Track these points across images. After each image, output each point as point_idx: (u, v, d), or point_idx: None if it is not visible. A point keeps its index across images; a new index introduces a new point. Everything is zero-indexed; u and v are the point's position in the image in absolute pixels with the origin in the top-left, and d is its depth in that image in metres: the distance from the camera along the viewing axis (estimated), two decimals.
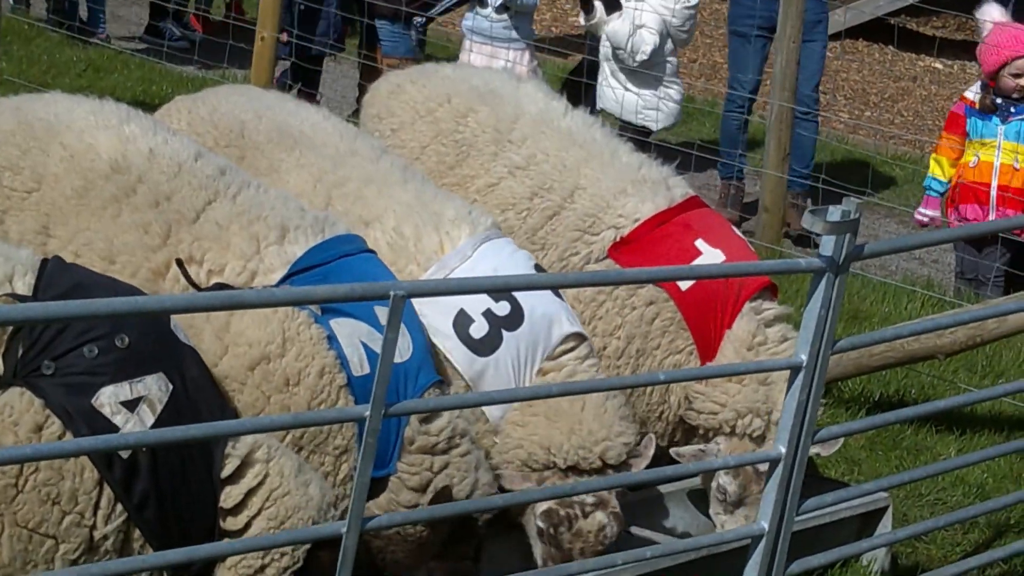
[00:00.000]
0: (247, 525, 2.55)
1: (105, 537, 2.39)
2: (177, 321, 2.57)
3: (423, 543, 2.90)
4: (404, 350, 2.70)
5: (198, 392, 2.55)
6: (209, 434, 2.38)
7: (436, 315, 2.95)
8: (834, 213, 2.47)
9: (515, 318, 3.03)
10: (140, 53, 8.00)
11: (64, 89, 4.36)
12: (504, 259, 3.06)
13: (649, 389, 3.26)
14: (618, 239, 3.35)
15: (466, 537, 2.91)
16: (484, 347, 3.02)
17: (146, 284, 2.78)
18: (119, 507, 2.42)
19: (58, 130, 3.01)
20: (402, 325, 2.40)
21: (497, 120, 3.54)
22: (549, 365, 3.06)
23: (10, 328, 2.38)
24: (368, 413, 2.25)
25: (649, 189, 3.42)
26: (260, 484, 2.55)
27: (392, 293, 2.20)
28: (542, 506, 2.98)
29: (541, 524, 3.01)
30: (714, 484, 3.27)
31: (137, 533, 2.47)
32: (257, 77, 6.45)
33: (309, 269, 2.77)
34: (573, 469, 3.03)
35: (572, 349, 3.09)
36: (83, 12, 8.16)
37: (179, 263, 2.76)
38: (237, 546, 2.47)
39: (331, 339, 2.70)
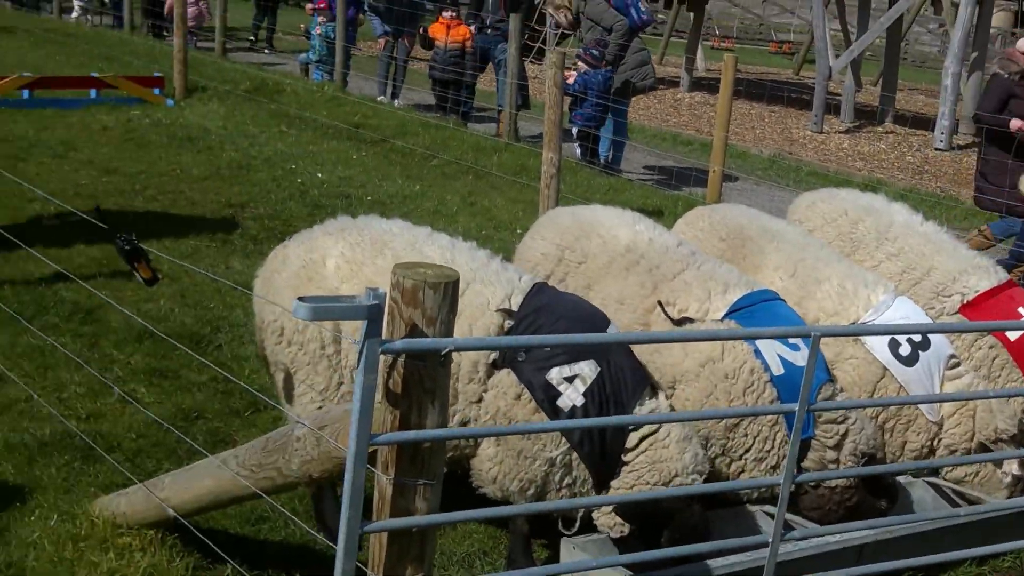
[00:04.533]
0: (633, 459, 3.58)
1: (557, 457, 3.59)
2: (615, 325, 3.91)
3: (847, 496, 4.01)
4: (799, 359, 4.27)
5: (619, 372, 3.55)
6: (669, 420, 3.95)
7: (876, 341, 4.39)
8: None
9: (924, 343, 4.42)
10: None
11: None
12: (909, 309, 4.53)
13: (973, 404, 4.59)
14: (965, 302, 4.79)
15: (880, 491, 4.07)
16: (910, 361, 4.41)
17: (640, 316, 4.35)
18: (564, 441, 3.54)
19: (596, 226, 4.66)
20: (802, 346, 4.00)
21: (877, 226, 5.15)
22: (950, 374, 4.44)
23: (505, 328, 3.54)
24: (796, 408, 3.04)
25: (983, 272, 4.85)
26: (651, 433, 3.58)
27: (813, 334, 2.99)
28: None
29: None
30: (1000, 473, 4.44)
31: (575, 457, 3.57)
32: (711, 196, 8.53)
33: (740, 309, 4.35)
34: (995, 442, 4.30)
35: (958, 365, 4.45)
36: None
37: (660, 304, 4.27)
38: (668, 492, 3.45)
39: (756, 351, 4.31)
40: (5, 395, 4.45)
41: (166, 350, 4.96)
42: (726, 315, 4.23)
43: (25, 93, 10.51)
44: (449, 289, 2.50)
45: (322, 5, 13.79)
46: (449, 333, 2.53)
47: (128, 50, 14.32)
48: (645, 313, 4.33)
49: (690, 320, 4.25)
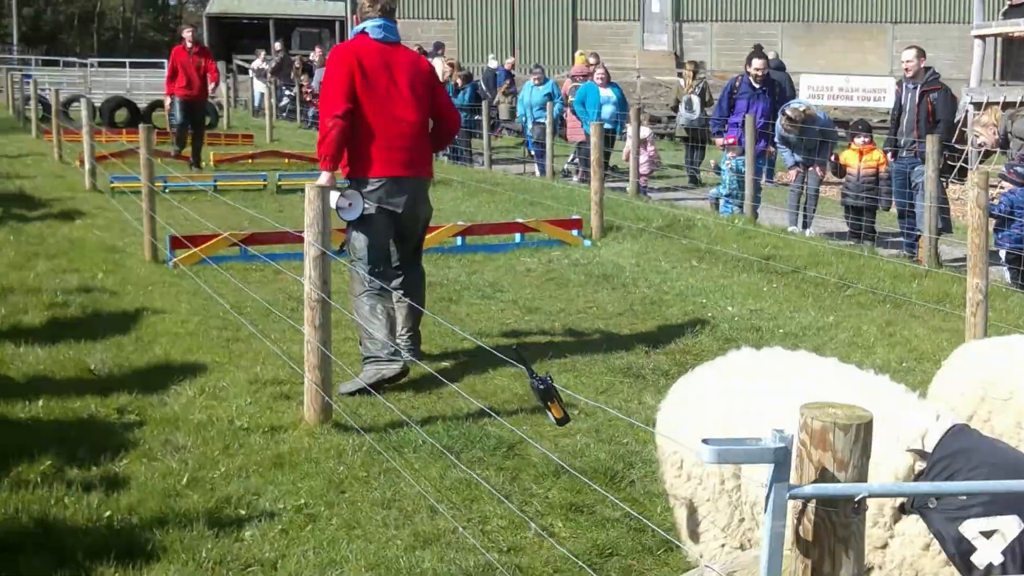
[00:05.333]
0: None
1: None
2: None
3: None
4: None
5: None
6: None
7: None
8: None
9: None
10: None
11: None
12: None
13: None
14: None
15: None
16: None
17: None
18: None
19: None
20: None
21: None
22: None
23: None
24: None
25: None
26: None
27: None
28: None
29: None
30: None
31: None
32: None
33: None
34: None
35: None
36: None
37: None
38: None
39: None
40: (435, 526, 4.75)
41: (582, 485, 5.09)
42: None
43: (459, 240, 11.43)
44: (861, 431, 2.39)
45: (731, 140, 14.01)
46: (862, 478, 2.40)
47: (549, 195, 15.23)
48: None
49: None
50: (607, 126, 17.56)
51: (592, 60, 20.60)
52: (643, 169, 16.87)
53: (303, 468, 5.39)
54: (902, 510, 3.31)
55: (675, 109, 19.40)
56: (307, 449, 5.64)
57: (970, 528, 3.18)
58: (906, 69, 12.17)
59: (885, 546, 3.33)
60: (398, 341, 6.85)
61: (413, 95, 6.80)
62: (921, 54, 12.18)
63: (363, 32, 6.85)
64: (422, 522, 4.80)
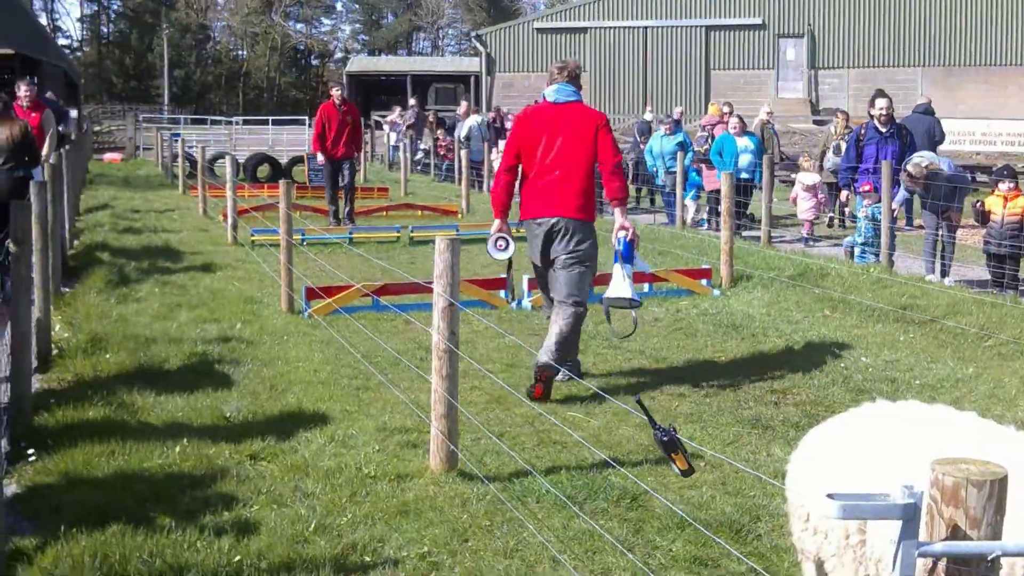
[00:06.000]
0: None
1: None
2: None
3: None
4: None
5: None
6: None
7: None
8: None
9: None
10: None
11: None
12: None
13: None
14: None
15: None
16: None
17: None
18: None
19: None
20: None
21: None
22: None
23: None
24: None
25: None
26: None
27: None
28: None
29: None
30: None
31: None
32: None
33: None
34: None
35: None
36: None
37: None
38: None
39: None
40: None
41: (706, 538, 4.99)
42: None
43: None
44: (995, 488, 2.29)
45: (867, 188, 13.71)
46: (996, 536, 2.30)
47: (679, 244, 15.13)
48: None
49: None
50: (745, 175, 17.43)
51: (726, 109, 20.48)
52: (808, 215, 16.73)
53: (427, 516, 5.42)
54: None
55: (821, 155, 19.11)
56: (432, 497, 5.67)
57: None
58: None
59: None
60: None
61: (578, 145, 7.74)
62: None
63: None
64: (544, 573, 4.77)
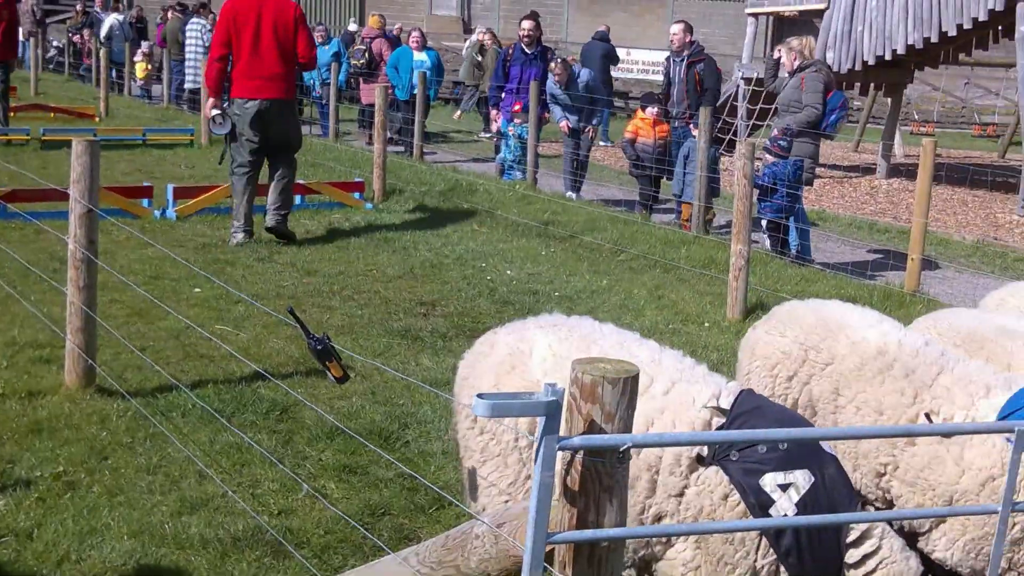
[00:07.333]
0: None
1: (762, 567, 3.36)
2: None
3: None
4: None
5: (833, 484, 3.33)
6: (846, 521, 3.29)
7: None
8: None
9: None
10: None
11: None
12: None
13: None
14: None
15: None
16: None
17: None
18: (771, 551, 3.31)
19: (843, 326, 4.33)
20: None
21: None
22: None
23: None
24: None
25: None
26: (874, 552, 3.31)
27: (1017, 429, 2.71)
28: None
29: None
30: None
31: (782, 568, 3.36)
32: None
33: (1015, 412, 3.76)
34: None
35: None
36: None
37: (927, 416, 3.91)
38: None
39: None
40: (203, 491, 4.60)
41: (356, 446, 5.04)
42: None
43: None
44: (628, 384, 2.43)
45: (518, 107, 14.09)
46: (628, 429, 2.45)
47: (332, 156, 14.98)
48: (907, 423, 4.07)
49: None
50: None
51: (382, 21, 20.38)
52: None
53: (63, 434, 5.12)
54: (699, 461, 3.39)
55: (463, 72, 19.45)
56: (67, 415, 5.36)
57: (768, 481, 3.30)
58: (673, 43, 12.62)
59: (682, 494, 3.41)
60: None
61: (275, 36, 9.46)
62: (688, 29, 12.65)
63: None
64: (189, 487, 4.64)
